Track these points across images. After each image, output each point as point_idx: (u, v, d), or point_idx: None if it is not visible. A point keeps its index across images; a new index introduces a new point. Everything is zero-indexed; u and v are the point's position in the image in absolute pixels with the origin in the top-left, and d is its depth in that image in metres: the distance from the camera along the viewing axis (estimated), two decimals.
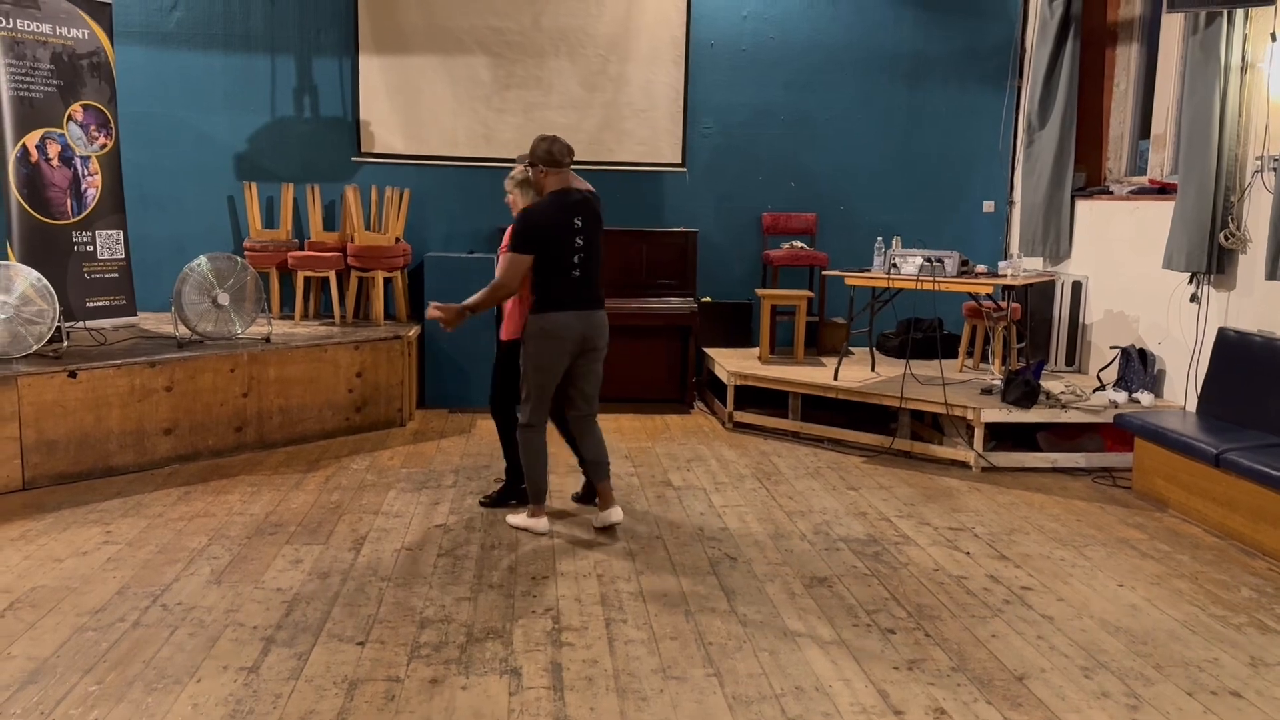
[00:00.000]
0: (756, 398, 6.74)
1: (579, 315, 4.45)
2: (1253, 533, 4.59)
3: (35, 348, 5.28)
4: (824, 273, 7.22)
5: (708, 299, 7.60)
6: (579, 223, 4.42)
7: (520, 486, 4.84)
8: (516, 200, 4.68)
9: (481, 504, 4.93)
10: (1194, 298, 5.89)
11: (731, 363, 6.90)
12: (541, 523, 4.60)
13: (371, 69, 7.28)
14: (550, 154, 4.42)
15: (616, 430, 6.60)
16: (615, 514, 4.64)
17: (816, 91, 7.74)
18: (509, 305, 4.72)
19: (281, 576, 4.00)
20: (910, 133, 7.84)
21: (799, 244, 7.50)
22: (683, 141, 7.61)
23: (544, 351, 4.42)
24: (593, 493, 4.82)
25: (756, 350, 7.25)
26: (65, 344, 5.50)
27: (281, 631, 3.50)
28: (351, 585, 3.93)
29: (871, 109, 7.79)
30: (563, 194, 4.43)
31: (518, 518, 4.66)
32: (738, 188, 7.75)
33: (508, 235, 4.48)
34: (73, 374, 5.14)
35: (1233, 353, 5.36)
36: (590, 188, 4.60)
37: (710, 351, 7.37)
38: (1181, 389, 5.97)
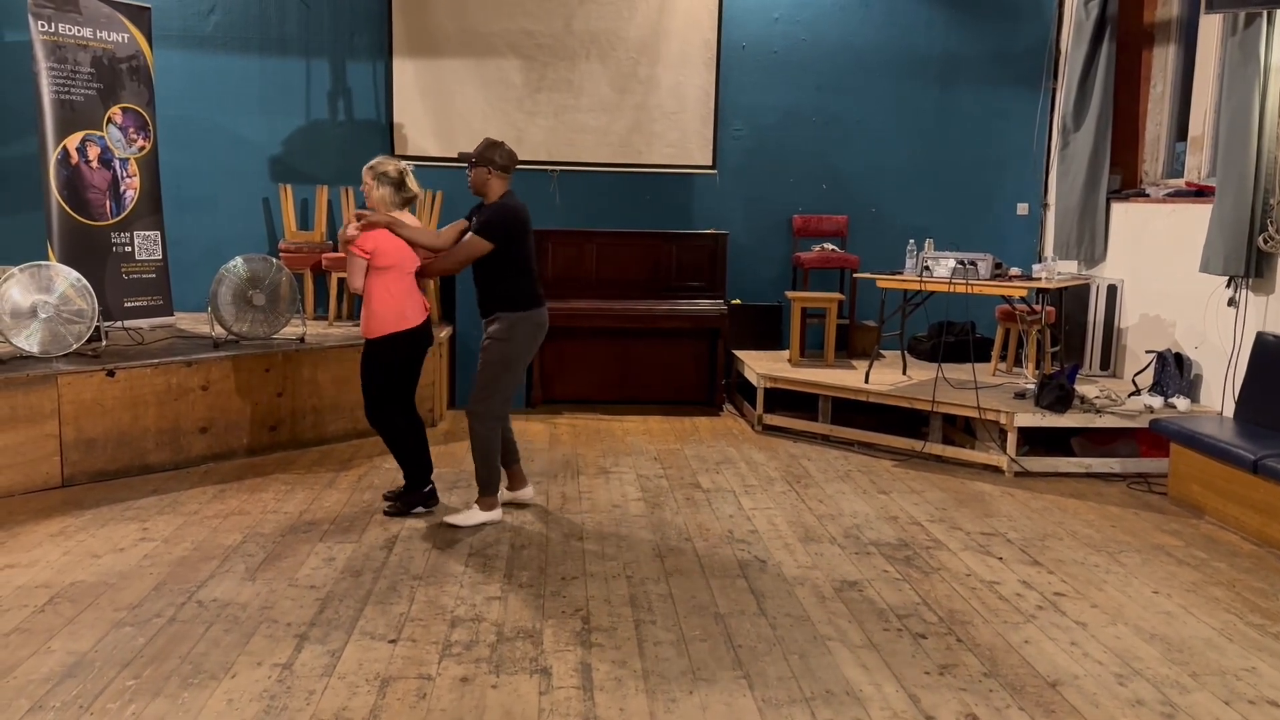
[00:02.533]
0: (786, 400, 6.72)
1: (546, 310, 4.78)
2: None
3: (74, 347, 5.37)
4: (855, 275, 7.18)
5: (737, 301, 7.59)
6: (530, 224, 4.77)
7: (421, 488, 4.84)
8: (373, 191, 4.62)
9: (387, 513, 4.80)
10: (1232, 301, 5.82)
11: (761, 365, 6.89)
12: (498, 512, 4.76)
13: (405, 72, 7.34)
14: (508, 159, 4.64)
15: (645, 432, 6.61)
16: (529, 492, 5.01)
17: (848, 93, 7.71)
18: (376, 303, 4.60)
19: (315, 574, 4.04)
20: (943, 134, 7.79)
21: (830, 246, 7.47)
22: (713, 144, 7.61)
23: (530, 344, 4.70)
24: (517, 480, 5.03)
25: (786, 353, 7.23)
26: (104, 343, 5.58)
27: (315, 628, 3.54)
28: (384, 583, 3.96)
29: (903, 111, 7.75)
30: (513, 197, 4.68)
31: (467, 515, 4.66)
32: (768, 190, 7.73)
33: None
34: (111, 373, 5.22)
35: (1271, 357, 5.29)
36: None
37: (740, 354, 7.36)
38: (1218, 394, 5.89)
